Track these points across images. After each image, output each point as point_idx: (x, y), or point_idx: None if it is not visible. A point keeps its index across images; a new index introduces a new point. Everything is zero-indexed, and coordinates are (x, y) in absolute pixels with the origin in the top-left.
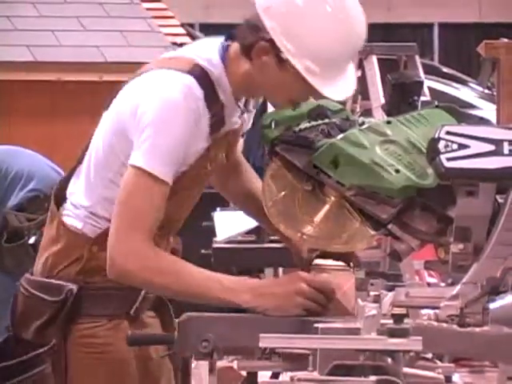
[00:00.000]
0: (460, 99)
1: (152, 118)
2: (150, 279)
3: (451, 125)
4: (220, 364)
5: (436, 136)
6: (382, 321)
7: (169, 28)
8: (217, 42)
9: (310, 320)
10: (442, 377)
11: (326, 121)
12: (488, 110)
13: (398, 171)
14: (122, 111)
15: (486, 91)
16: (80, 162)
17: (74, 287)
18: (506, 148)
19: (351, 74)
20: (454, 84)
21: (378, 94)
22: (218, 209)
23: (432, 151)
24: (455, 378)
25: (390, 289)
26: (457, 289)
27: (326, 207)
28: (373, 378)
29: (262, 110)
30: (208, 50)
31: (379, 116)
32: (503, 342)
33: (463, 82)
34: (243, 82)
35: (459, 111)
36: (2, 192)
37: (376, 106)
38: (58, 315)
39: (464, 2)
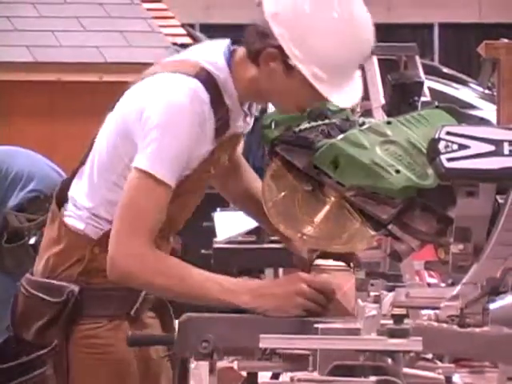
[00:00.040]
0: (460, 99)
1: (158, 121)
2: (150, 281)
3: (451, 125)
4: (220, 364)
5: (436, 136)
6: (382, 321)
7: (169, 28)
8: (221, 45)
9: (310, 320)
10: (442, 377)
11: (326, 121)
12: (488, 111)
13: (398, 172)
14: (127, 113)
15: (487, 92)
16: (83, 162)
17: (76, 288)
18: (506, 148)
19: (358, 80)
20: (454, 84)
21: (378, 95)
22: (219, 209)
23: (432, 152)
24: (455, 378)
25: (390, 289)
26: (457, 289)
27: (326, 207)
28: (373, 378)
29: (262, 110)
30: (213, 54)
31: (379, 116)
32: (503, 343)
33: (463, 83)
34: (249, 87)
35: (459, 112)
36: (3, 192)
37: (376, 107)
38: (59, 316)
39: (464, 3)
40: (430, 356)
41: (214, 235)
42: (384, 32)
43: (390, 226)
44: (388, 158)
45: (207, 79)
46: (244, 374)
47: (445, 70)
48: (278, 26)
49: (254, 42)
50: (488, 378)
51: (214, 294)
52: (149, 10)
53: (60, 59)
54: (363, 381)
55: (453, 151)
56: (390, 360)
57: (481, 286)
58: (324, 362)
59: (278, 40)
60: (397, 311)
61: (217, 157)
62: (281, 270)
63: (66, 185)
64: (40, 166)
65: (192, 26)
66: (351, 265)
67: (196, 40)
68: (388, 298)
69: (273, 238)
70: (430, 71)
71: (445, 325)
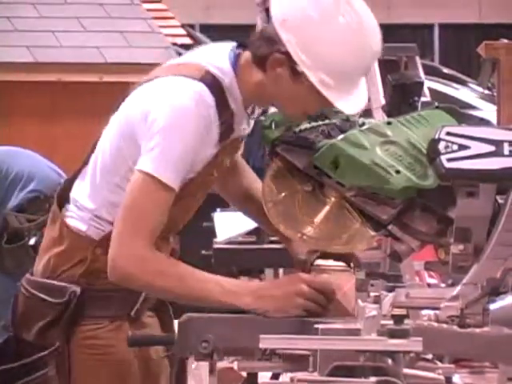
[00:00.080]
0: (460, 100)
1: (163, 125)
2: (151, 282)
3: (451, 126)
4: (220, 365)
5: (436, 137)
6: (383, 321)
7: (169, 29)
8: (225, 48)
9: (310, 321)
10: (442, 378)
11: (327, 121)
12: (488, 111)
13: (398, 172)
14: (131, 115)
15: (486, 92)
16: (85, 163)
17: (78, 289)
18: (506, 149)
19: (363, 87)
20: (454, 85)
21: (378, 95)
22: (219, 209)
23: (432, 152)
24: (455, 378)
25: (391, 290)
26: (457, 290)
27: (327, 208)
28: (373, 378)
29: (262, 110)
30: (218, 58)
31: (379, 117)
32: (503, 343)
33: (463, 83)
34: (255, 91)
35: (459, 112)
36: (3, 193)
37: (376, 107)
38: (61, 317)
39: (464, 3)
40: (430, 356)
41: (214, 235)
42: (384, 32)
43: (390, 227)
44: (388, 158)
45: (213, 83)
46: (244, 374)
47: (445, 70)
48: (286, 31)
49: (260, 46)
50: (488, 379)
51: (215, 295)
52: (149, 10)
53: (60, 59)
54: (363, 381)
55: (453, 151)
56: (390, 360)
57: (481, 287)
58: (324, 363)
59: (285, 46)
60: (397, 312)
61: (220, 160)
62: (281, 271)
63: (67, 185)
64: (40, 167)
65: (192, 26)
66: (351, 265)
67: (196, 40)
68: (388, 298)
69: (273, 238)
70: (430, 71)
71: (445, 325)
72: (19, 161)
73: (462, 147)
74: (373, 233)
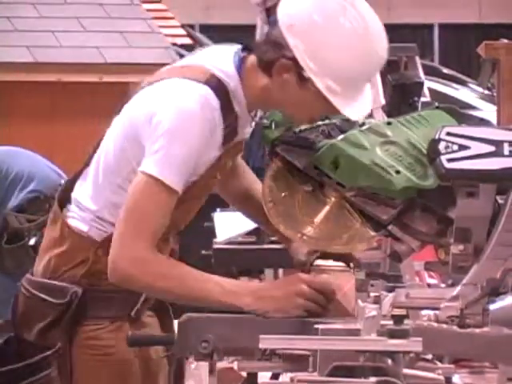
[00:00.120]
0: (460, 100)
1: (168, 127)
2: (151, 284)
3: (451, 126)
4: (220, 365)
5: (436, 137)
6: (382, 322)
7: (169, 29)
8: (230, 51)
9: (310, 321)
10: (442, 378)
11: (327, 121)
12: (488, 111)
13: (398, 172)
14: (136, 117)
15: (486, 92)
16: (87, 164)
17: (79, 289)
18: (506, 149)
19: (368, 93)
20: (454, 85)
21: (378, 95)
22: (219, 209)
23: (432, 152)
24: (455, 379)
25: (390, 290)
26: (457, 290)
27: (327, 208)
28: (373, 379)
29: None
30: (223, 61)
31: (379, 117)
32: (503, 343)
33: (463, 83)
34: (260, 95)
35: (459, 112)
36: (3, 193)
37: (376, 107)
38: (62, 317)
39: (464, 3)
40: (429, 356)
41: (214, 236)
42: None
43: (390, 227)
44: (388, 158)
45: (218, 86)
46: (244, 374)
47: (445, 70)
48: (293, 37)
49: (266, 51)
50: (488, 379)
51: (215, 296)
52: (149, 10)
53: (60, 60)
54: (363, 381)
55: (453, 152)
56: (389, 361)
57: (481, 287)
58: (324, 363)
59: (292, 51)
60: (397, 312)
61: (223, 162)
62: (281, 271)
63: (68, 186)
64: (40, 167)
65: (192, 26)
66: (351, 265)
67: (196, 41)
68: (388, 298)
69: (273, 238)
70: (430, 72)
71: (445, 325)
72: (19, 161)
73: (462, 147)
74: (373, 233)
